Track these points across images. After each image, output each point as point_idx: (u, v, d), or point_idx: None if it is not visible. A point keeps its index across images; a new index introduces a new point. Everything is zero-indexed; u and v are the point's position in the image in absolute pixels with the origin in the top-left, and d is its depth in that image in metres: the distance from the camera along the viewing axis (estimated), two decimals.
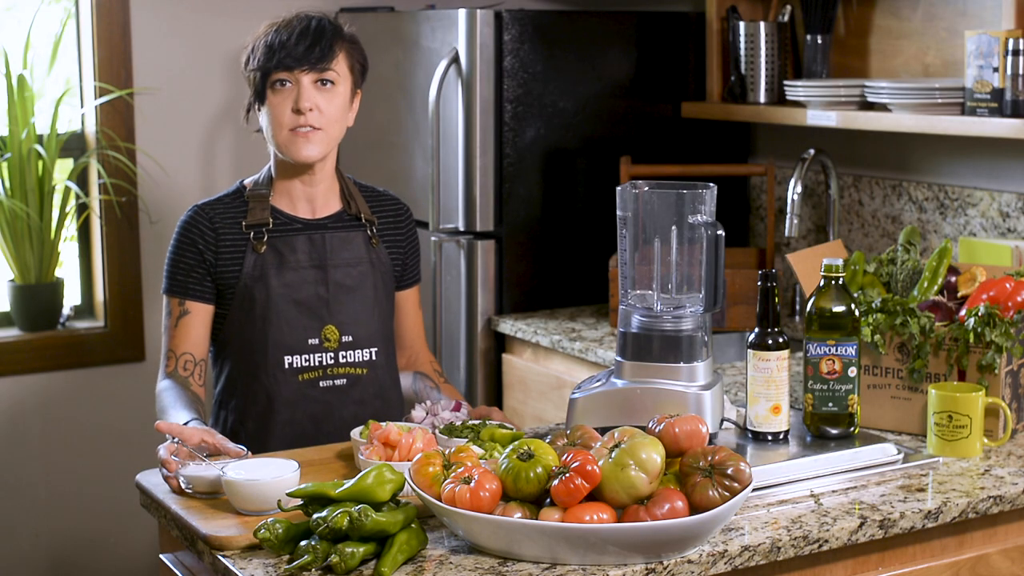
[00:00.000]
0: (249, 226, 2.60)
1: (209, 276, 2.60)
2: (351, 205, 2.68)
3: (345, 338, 2.61)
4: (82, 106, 3.98)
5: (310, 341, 2.59)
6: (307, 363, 2.59)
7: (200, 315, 2.61)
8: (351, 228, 2.66)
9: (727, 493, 1.92)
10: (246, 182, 2.68)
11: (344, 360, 2.61)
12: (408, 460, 2.20)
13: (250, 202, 2.62)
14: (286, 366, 2.58)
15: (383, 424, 2.30)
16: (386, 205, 2.75)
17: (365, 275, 2.65)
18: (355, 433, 2.32)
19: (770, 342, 2.36)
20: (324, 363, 2.60)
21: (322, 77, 2.54)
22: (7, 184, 3.81)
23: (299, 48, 2.52)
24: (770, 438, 2.37)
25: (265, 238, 2.59)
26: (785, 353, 2.37)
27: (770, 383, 2.35)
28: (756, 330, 2.38)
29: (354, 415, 2.61)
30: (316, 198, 2.64)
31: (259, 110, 2.61)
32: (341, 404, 2.61)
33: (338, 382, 2.61)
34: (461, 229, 3.71)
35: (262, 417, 2.60)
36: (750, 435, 2.38)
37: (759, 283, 2.37)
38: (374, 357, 2.64)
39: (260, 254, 2.58)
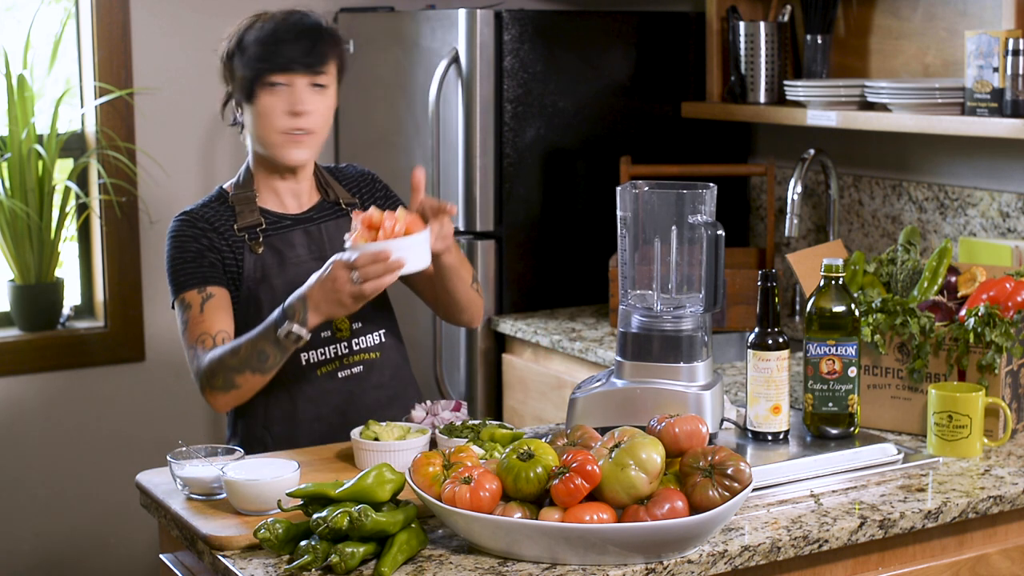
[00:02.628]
0: (242, 228, 2.56)
1: (219, 263, 2.53)
2: (329, 193, 2.66)
3: (355, 325, 2.60)
4: (82, 106, 3.98)
5: (323, 333, 2.57)
6: (323, 356, 2.57)
7: (224, 298, 2.53)
8: (337, 215, 2.64)
9: (727, 493, 1.92)
10: (226, 186, 2.64)
11: (357, 347, 2.60)
12: (394, 237, 2.27)
13: (236, 205, 2.57)
14: (304, 362, 2.56)
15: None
16: (353, 178, 2.72)
17: None
18: (355, 433, 2.32)
19: (770, 342, 2.36)
20: (340, 353, 2.59)
21: (316, 80, 2.52)
22: (7, 184, 3.81)
23: (296, 49, 2.49)
24: (770, 438, 2.37)
25: (261, 238, 2.57)
26: (785, 353, 2.37)
27: (770, 383, 2.35)
28: (756, 330, 2.38)
29: (375, 400, 2.60)
30: (301, 193, 2.62)
31: (241, 107, 2.57)
32: (362, 391, 2.61)
33: (355, 370, 2.60)
34: (461, 229, 3.71)
35: (287, 419, 2.57)
36: (750, 435, 2.38)
37: (759, 283, 2.37)
38: (383, 339, 2.64)
39: (259, 255, 2.56)
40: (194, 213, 2.58)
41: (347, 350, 2.59)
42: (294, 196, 2.62)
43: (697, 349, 2.30)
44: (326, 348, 2.57)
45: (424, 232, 2.35)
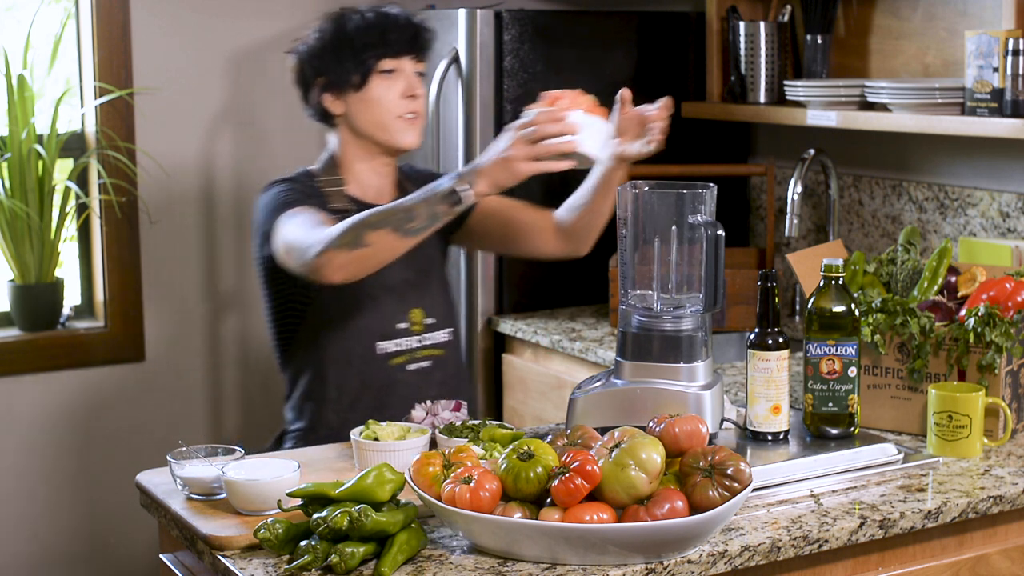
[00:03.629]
0: (334, 211, 2.58)
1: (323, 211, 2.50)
2: (406, 189, 2.70)
3: (428, 320, 2.66)
4: (82, 106, 3.98)
5: (399, 325, 2.62)
6: (397, 348, 2.63)
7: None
8: None
9: (727, 493, 1.92)
10: (310, 169, 2.69)
11: (427, 342, 2.66)
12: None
13: (325, 188, 2.62)
14: (378, 352, 2.61)
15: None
16: (423, 179, 2.74)
17: (434, 257, 2.71)
18: (355, 433, 2.32)
19: (770, 342, 2.36)
20: (411, 346, 2.64)
21: (419, 69, 2.61)
22: (7, 184, 3.81)
23: (407, 35, 2.57)
24: (770, 438, 2.37)
25: None
26: (785, 353, 2.37)
27: (770, 383, 2.35)
28: (756, 330, 2.38)
29: (438, 396, 2.62)
30: (385, 186, 2.68)
31: (340, 98, 2.59)
32: (427, 386, 2.65)
33: (423, 364, 2.65)
34: None
35: (357, 405, 2.61)
36: (750, 435, 2.38)
37: (759, 283, 2.37)
38: (450, 337, 2.69)
39: None
40: (295, 179, 2.61)
41: (417, 344, 2.65)
42: (378, 190, 2.67)
43: (697, 349, 2.30)
44: (400, 340, 2.63)
45: (605, 122, 2.30)
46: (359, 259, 2.32)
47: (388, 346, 2.61)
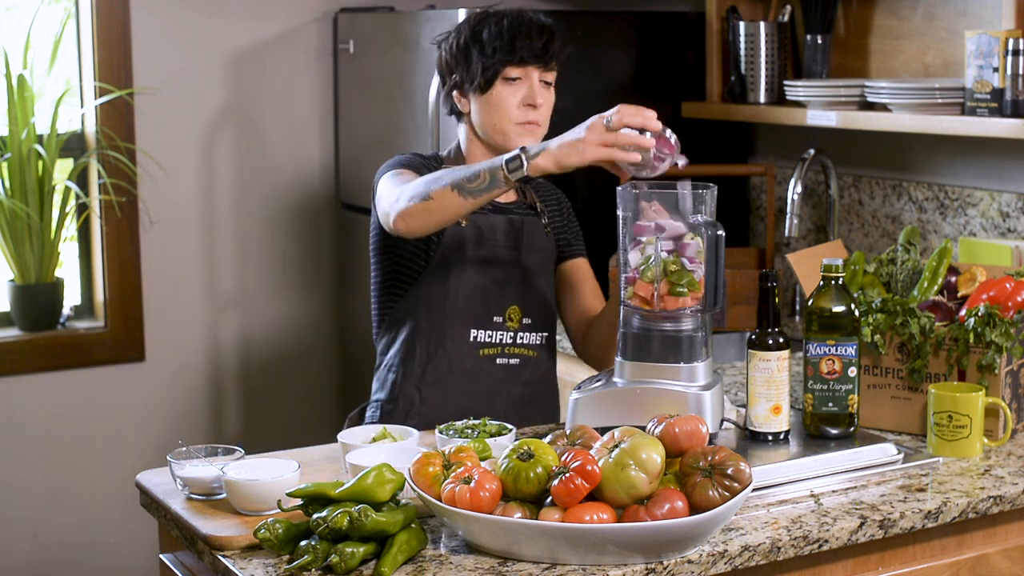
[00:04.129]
0: None
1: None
2: (526, 195, 2.76)
3: (525, 320, 2.69)
4: (82, 106, 3.98)
5: (495, 318, 2.66)
6: (489, 339, 2.66)
7: None
8: (534, 215, 2.74)
9: (727, 493, 1.92)
10: (440, 153, 2.74)
11: (521, 341, 2.69)
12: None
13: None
14: (471, 339, 2.65)
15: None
16: (548, 193, 2.83)
17: (545, 262, 2.74)
18: (342, 436, 2.32)
19: (770, 342, 2.36)
20: (504, 341, 2.67)
21: (546, 77, 2.63)
22: (7, 184, 3.81)
23: (536, 45, 2.59)
24: (770, 438, 2.37)
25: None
26: (785, 353, 2.37)
27: (770, 383, 2.35)
28: (756, 330, 2.38)
29: (520, 395, 2.67)
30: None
31: (466, 96, 2.65)
32: (512, 383, 2.68)
33: (512, 361, 2.68)
34: None
35: (440, 385, 2.65)
36: (750, 435, 2.38)
37: (759, 283, 2.37)
38: (545, 341, 2.73)
39: (461, 227, 2.63)
40: (419, 155, 2.68)
41: (511, 340, 2.68)
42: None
43: (697, 349, 2.30)
44: (494, 332, 2.66)
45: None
46: (422, 211, 2.40)
47: (481, 335, 2.65)
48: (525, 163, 2.34)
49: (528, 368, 2.71)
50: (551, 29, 2.64)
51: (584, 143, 2.33)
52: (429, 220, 2.41)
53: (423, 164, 2.66)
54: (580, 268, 2.83)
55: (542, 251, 2.74)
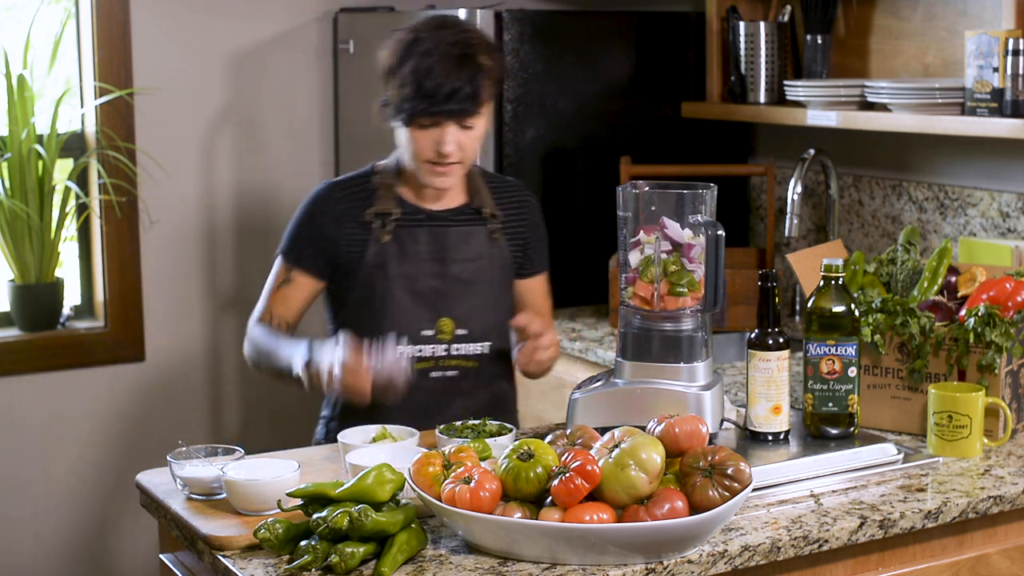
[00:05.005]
0: (376, 214, 2.64)
1: (325, 254, 2.65)
2: (475, 199, 2.71)
3: (459, 331, 2.66)
4: (82, 106, 3.97)
5: (424, 332, 2.63)
6: (420, 353, 2.63)
7: (302, 288, 2.68)
8: (473, 223, 2.70)
9: (727, 493, 1.92)
10: (378, 165, 2.72)
11: (456, 352, 2.66)
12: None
13: (378, 189, 2.66)
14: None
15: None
16: (511, 196, 2.77)
17: (483, 270, 2.69)
18: (342, 436, 2.32)
19: (770, 342, 2.36)
20: (437, 354, 2.65)
21: (465, 123, 2.57)
22: (7, 184, 3.81)
23: (450, 101, 2.51)
24: (770, 438, 2.37)
25: (389, 228, 2.64)
26: (785, 353, 2.37)
27: (770, 383, 2.35)
28: (756, 330, 2.38)
29: (462, 407, 2.64)
30: (444, 193, 2.68)
31: (396, 123, 2.62)
32: (452, 395, 2.66)
33: (449, 373, 2.66)
34: None
35: (375, 404, 2.60)
36: (750, 435, 2.38)
37: (759, 283, 2.37)
38: (489, 350, 2.69)
39: (383, 244, 2.63)
40: (337, 188, 2.70)
41: (444, 353, 2.65)
42: (436, 195, 2.68)
43: (697, 349, 2.30)
44: (424, 346, 2.64)
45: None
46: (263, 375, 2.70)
47: (411, 351, 2.62)
48: (306, 383, 2.50)
49: (469, 379, 2.67)
50: (477, 68, 2.54)
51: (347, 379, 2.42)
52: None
53: (319, 232, 2.65)
54: (530, 290, 2.80)
55: (480, 259, 2.69)
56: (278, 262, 2.71)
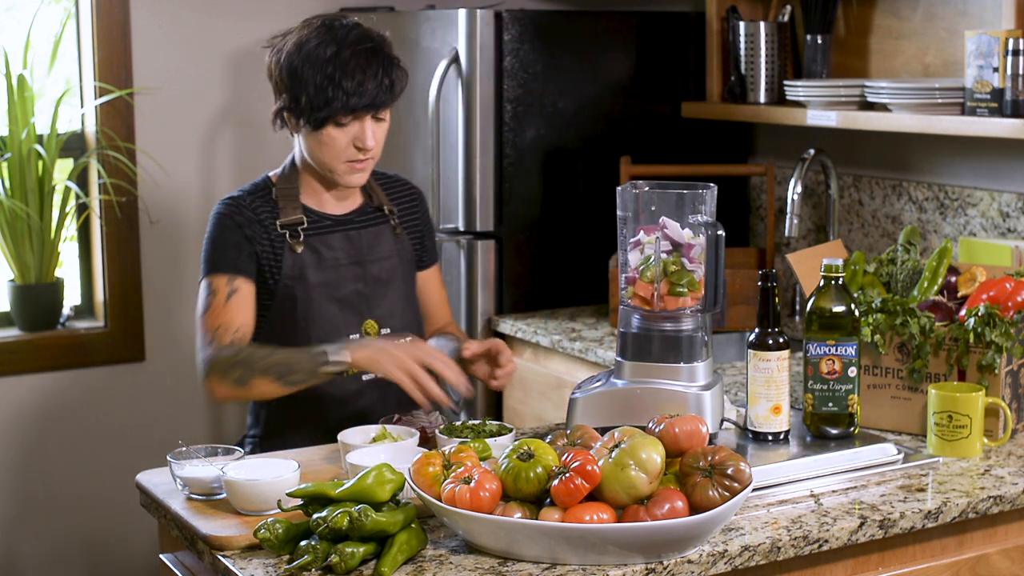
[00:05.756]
0: (284, 225, 2.61)
1: (254, 260, 2.60)
2: (372, 197, 2.72)
3: (383, 331, 2.66)
4: (82, 106, 3.98)
5: (351, 337, 2.62)
6: None
7: (249, 295, 2.60)
8: (378, 222, 2.71)
9: (727, 493, 1.92)
10: (271, 175, 2.68)
11: None
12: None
13: (280, 200, 2.63)
14: None
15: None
16: (401, 191, 2.79)
17: (395, 267, 2.70)
18: (342, 436, 2.32)
19: (770, 342, 2.36)
20: None
21: (380, 116, 2.58)
22: (7, 184, 3.81)
23: (366, 88, 2.51)
24: (770, 438, 2.37)
25: (301, 238, 2.61)
26: (785, 353, 2.37)
27: (770, 383, 2.35)
28: (756, 330, 2.38)
29: (397, 403, 2.62)
30: (345, 196, 2.68)
31: (301, 129, 2.58)
32: (387, 395, 2.64)
33: (380, 374, 2.63)
34: (461, 229, 3.71)
35: (314, 418, 2.62)
36: (750, 435, 2.38)
37: (759, 283, 2.37)
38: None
39: (298, 254, 2.61)
40: (241, 200, 2.63)
41: None
42: (337, 198, 2.67)
43: (697, 349, 2.30)
44: None
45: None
46: (243, 395, 2.52)
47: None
48: (336, 359, 2.43)
49: None
50: (387, 62, 2.55)
51: (398, 360, 2.41)
52: (246, 399, 2.58)
53: (240, 240, 2.58)
54: (427, 281, 2.82)
55: (391, 256, 2.70)
56: (210, 282, 2.57)
